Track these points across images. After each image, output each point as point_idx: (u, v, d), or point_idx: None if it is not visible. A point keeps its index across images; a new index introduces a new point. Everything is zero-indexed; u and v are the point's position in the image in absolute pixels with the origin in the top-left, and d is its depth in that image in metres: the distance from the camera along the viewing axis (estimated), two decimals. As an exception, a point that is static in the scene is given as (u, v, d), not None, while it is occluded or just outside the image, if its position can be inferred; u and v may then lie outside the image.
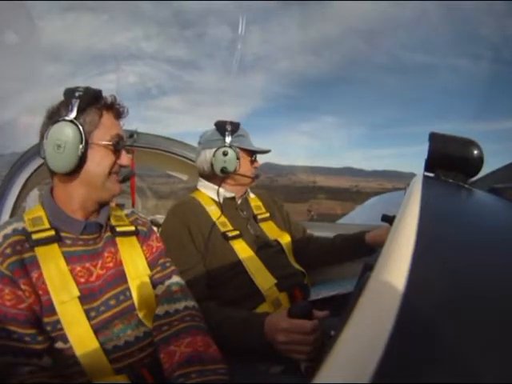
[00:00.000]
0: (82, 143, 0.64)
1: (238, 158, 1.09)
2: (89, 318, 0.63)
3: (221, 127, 1.14)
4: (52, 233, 0.65)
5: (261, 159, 1.22)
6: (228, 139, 1.11)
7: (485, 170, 0.67)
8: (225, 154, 1.09)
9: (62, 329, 0.61)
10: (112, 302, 0.67)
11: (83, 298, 0.64)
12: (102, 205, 0.73)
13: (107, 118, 0.69)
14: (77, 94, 0.65)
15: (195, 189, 1.19)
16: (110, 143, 0.67)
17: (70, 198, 0.68)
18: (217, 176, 1.12)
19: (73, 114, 0.64)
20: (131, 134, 1.53)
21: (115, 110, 0.71)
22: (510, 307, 0.25)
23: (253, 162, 1.17)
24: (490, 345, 0.20)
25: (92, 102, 0.67)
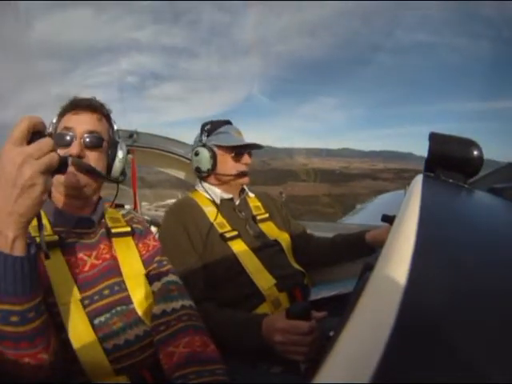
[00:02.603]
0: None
1: (212, 157, 1.08)
2: (83, 306, 0.64)
3: (202, 128, 1.15)
4: (55, 237, 0.66)
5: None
6: (204, 139, 1.12)
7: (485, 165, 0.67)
8: (196, 153, 1.10)
9: (63, 330, 0.60)
10: (106, 292, 0.68)
11: (77, 288, 0.64)
12: (94, 202, 0.75)
13: (65, 118, 0.73)
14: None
15: (193, 189, 1.19)
16: (54, 138, 0.70)
17: (56, 194, 0.72)
18: (203, 176, 1.13)
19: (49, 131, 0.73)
20: (131, 134, 1.54)
21: (72, 106, 0.73)
22: (510, 306, 0.25)
23: (237, 158, 1.11)
24: (490, 345, 0.20)
25: (61, 112, 0.74)
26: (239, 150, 1.11)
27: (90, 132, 0.72)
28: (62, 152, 0.68)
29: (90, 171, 0.70)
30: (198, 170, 1.11)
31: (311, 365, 0.78)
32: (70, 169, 0.68)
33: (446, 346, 0.19)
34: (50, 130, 0.71)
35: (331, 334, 0.55)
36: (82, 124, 0.72)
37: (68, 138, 0.70)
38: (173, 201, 1.28)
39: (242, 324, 0.86)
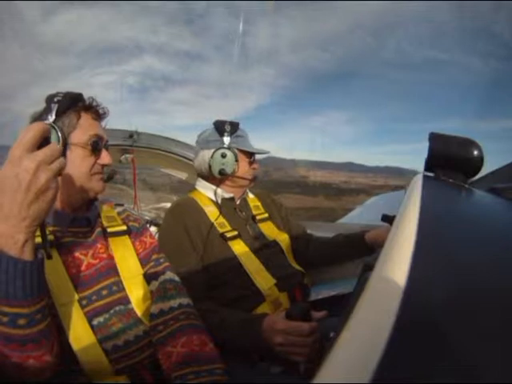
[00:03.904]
0: (58, 144, 0.64)
1: (236, 160, 1.08)
2: (81, 307, 0.63)
3: (220, 127, 1.12)
4: (50, 237, 0.65)
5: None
6: (227, 140, 1.10)
7: (485, 170, 0.67)
8: (223, 155, 1.08)
9: (62, 330, 0.60)
10: (104, 292, 0.68)
11: (75, 288, 0.64)
12: (90, 201, 0.75)
13: (85, 119, 0.71)
14: (56, 99, 0.68)
15: (193, 189, 1.18)
16: (88, 143, 0.69)
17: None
18: (215, 177, 1.11)
19: (52, 118, 0.67)
20: (131, 134, 1.54)
21: (94, 111, 0.73)
22: (510, 306, 0.24)
23: (251, 163, 1.15)
24: (490, 344, 0.20)
25: (70, 105, 0.69)
26: (254, 156, 1.16)
27: (107, 141, 0.74)
28: (91, 160, 0.70)
29: (109, 178, 0.74)
30: (222, 172, 1.08)
31: (311, 365, 0.78)
32: (99, 178, 0.72)
33: (446, 346, 0.19)
34: (52, 117, 0.67)
35: (332, 334, 0.55)
36: (103, 132, 0.74)
37: (101, 147, 0.72)
38: (168, 204, 1.28)
39: (241, 324, 0.86)
